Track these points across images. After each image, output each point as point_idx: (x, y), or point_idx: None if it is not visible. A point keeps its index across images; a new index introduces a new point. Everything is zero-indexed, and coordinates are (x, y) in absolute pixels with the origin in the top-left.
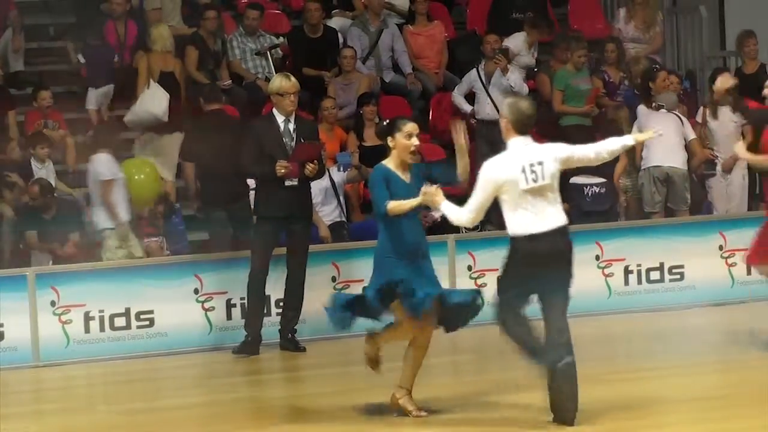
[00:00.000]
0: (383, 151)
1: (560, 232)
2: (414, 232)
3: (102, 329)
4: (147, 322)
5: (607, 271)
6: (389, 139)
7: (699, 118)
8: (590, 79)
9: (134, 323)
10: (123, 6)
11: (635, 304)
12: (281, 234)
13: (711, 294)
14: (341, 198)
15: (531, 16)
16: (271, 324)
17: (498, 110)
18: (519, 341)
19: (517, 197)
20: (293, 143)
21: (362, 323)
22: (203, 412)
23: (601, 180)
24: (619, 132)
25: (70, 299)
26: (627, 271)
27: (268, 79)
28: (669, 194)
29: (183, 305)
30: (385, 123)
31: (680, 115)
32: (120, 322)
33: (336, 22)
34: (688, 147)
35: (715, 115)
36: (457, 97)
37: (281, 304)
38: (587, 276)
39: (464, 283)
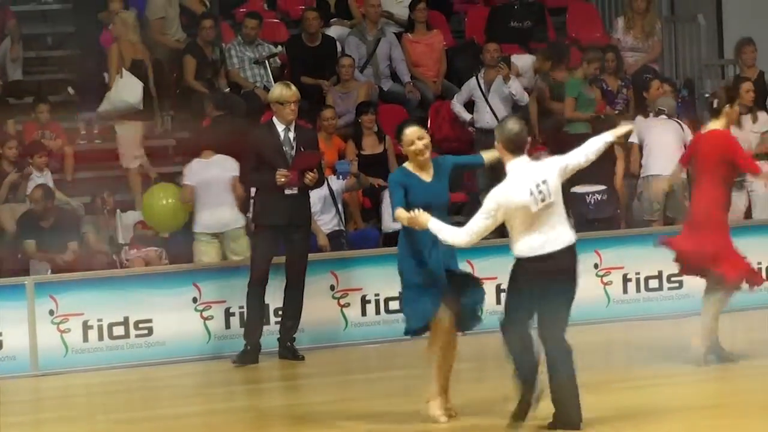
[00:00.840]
0: (382, 160)
1: (569, 251)
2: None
3: (101, 338)
4: (145, 331)
5: (605, 279)
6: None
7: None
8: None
9: (133, 332)
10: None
11: (634, 312)
12: (280, 243)
13: None
14: (340, 206)
15: (546, 47)
16: (270, 333)
17: (497, 118)
18: (517, 366)
19: (530, 220)
20: (293, 152)
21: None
22: (202, 421)
23: (602, 187)
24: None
25: (69, 308)
26: (626, 280)
27: (266, 88)
28: (668, 203)
29: (181, 314)
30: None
31: (680, 121)
32: (118, 331)
33: (334, 30)
34: None
35: (739, 125)
36: (456, 106)
37: (280, 312)
38: (586, 284)
39: None
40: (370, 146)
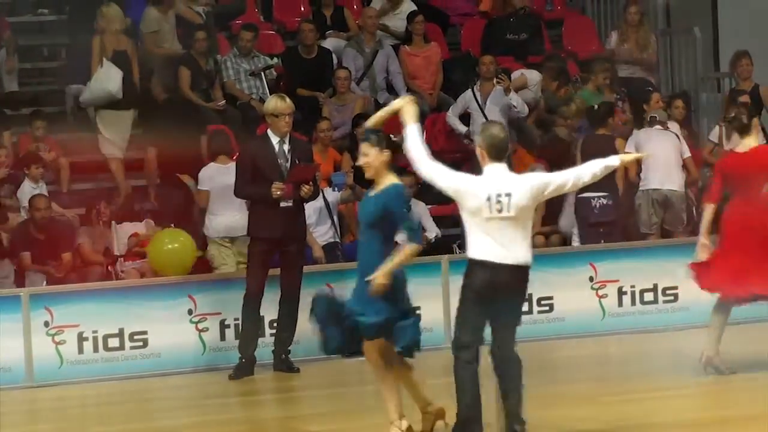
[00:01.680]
0: None
1: (520, 270)
2: (362, 251)
3: (96, 350)
4: (140, 343)
5: (601, 292)
6: None
7: (714, 137)
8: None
9: (128, 344)
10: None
11: (629, 325)
12: (275, 255)
13: (704, 316)
14: (335, 218)
15: (554, 66)
16: (265, 345)
17: None
18: (461, 395)
19: (482, 223)
20: (288, 164)
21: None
22: None
23: (606, 193)
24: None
25: (64, 320)
26: (621, 293)
27: (262, 100)
28: (666, 216)
29: (177, 326)
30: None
31: (677, 132)
32: (114, 342)
33: (330, 42)
34: (684, 165)
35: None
36: (452, 118)
37: (275, 325)
38: (581, 297)
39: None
40: None
